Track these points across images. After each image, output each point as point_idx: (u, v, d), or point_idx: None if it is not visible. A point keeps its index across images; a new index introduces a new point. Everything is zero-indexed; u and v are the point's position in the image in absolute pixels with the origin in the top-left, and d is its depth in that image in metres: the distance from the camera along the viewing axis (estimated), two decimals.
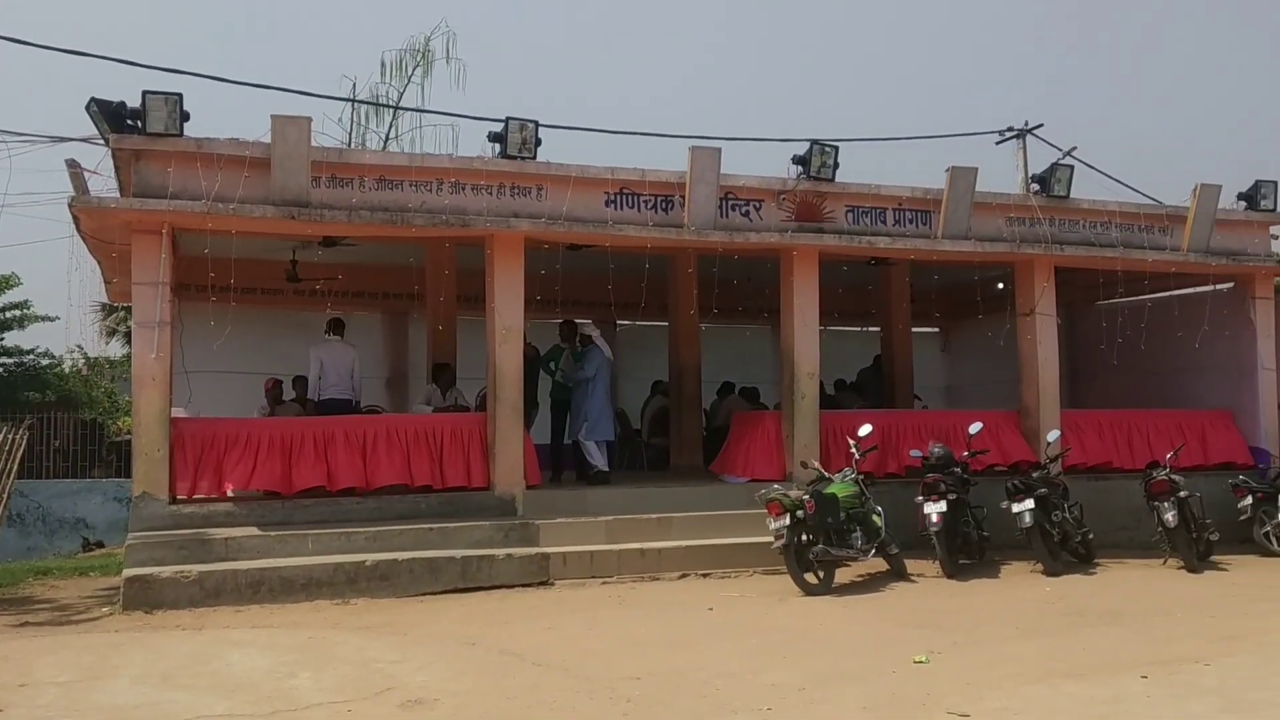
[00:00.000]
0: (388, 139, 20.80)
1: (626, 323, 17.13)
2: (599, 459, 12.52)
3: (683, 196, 11.49)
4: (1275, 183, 14.41)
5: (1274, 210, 14.42)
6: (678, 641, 7.82)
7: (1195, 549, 11.57)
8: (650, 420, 16.43)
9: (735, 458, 12.83)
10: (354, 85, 20.51)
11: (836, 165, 12.09)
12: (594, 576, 10.30)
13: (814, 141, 12.06)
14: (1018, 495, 11.10)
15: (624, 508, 11.33)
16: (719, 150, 11.44)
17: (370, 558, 9.69)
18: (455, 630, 8.19)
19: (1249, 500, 12.79)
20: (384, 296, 16.12)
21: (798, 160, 12.06)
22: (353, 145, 19.52)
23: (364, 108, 20.40)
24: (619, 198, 11.54)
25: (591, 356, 12.76)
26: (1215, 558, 11.97)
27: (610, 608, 9.18)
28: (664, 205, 11.69)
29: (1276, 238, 14.79)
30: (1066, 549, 11.56)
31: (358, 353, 13.00)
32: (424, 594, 9.62)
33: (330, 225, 10.68)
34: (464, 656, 7.30)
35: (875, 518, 10.58)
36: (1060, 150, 17.58)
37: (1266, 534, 12.68)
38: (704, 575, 10.61)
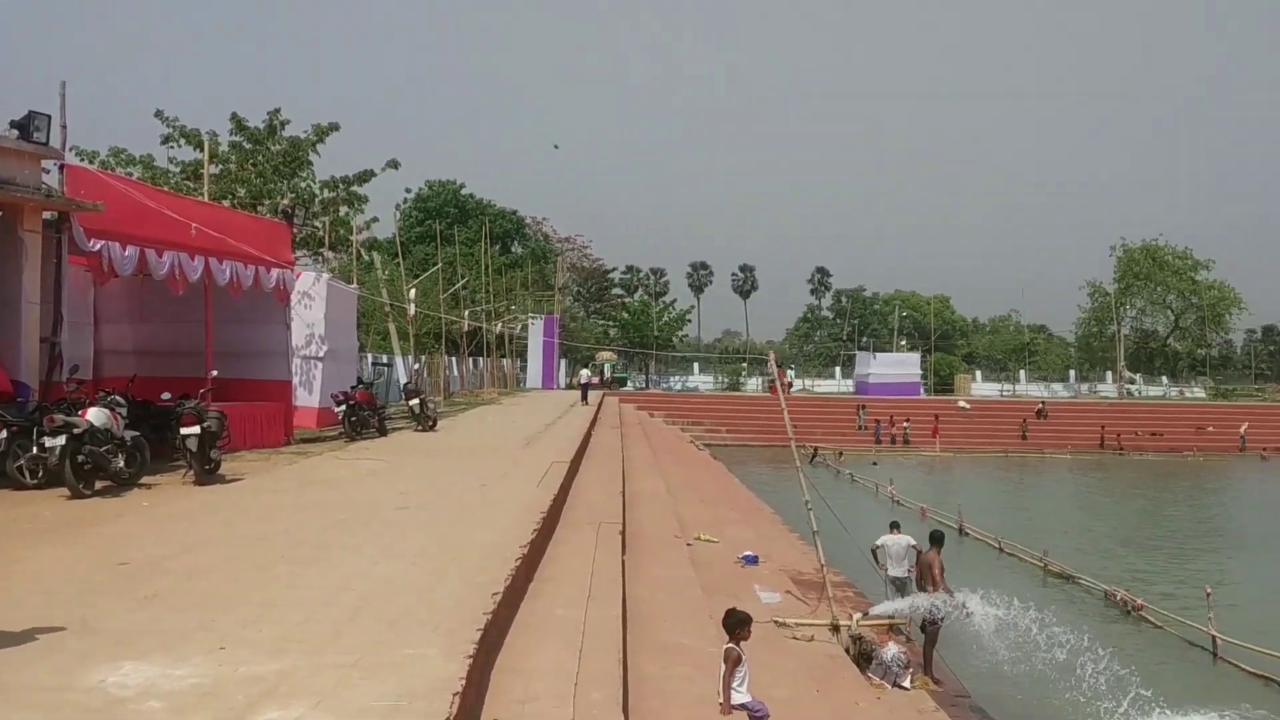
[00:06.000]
0: None
1: None
2: None
3: None
4: (49, 116, 14.36)
5: (46, 144, 14.37)
6: None
7: None
8: None
9: None
10: None
11: None
12: None
13: None
14: None
15: None
16: None
17: None
18: None
19: (4, 434, 12.54)
20: None
21: None
22: None
23: None
24: None
25: None
26: None
27: None
28: None
29: (49, 171, 14.78)
30: None
31: None
32: None
33: None
34: None
35: None
36: None
37: (20, 467, 12.58)
38: None
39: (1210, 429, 59.08)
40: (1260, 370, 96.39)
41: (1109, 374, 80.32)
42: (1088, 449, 56.04)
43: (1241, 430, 58.15)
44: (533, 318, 64.17)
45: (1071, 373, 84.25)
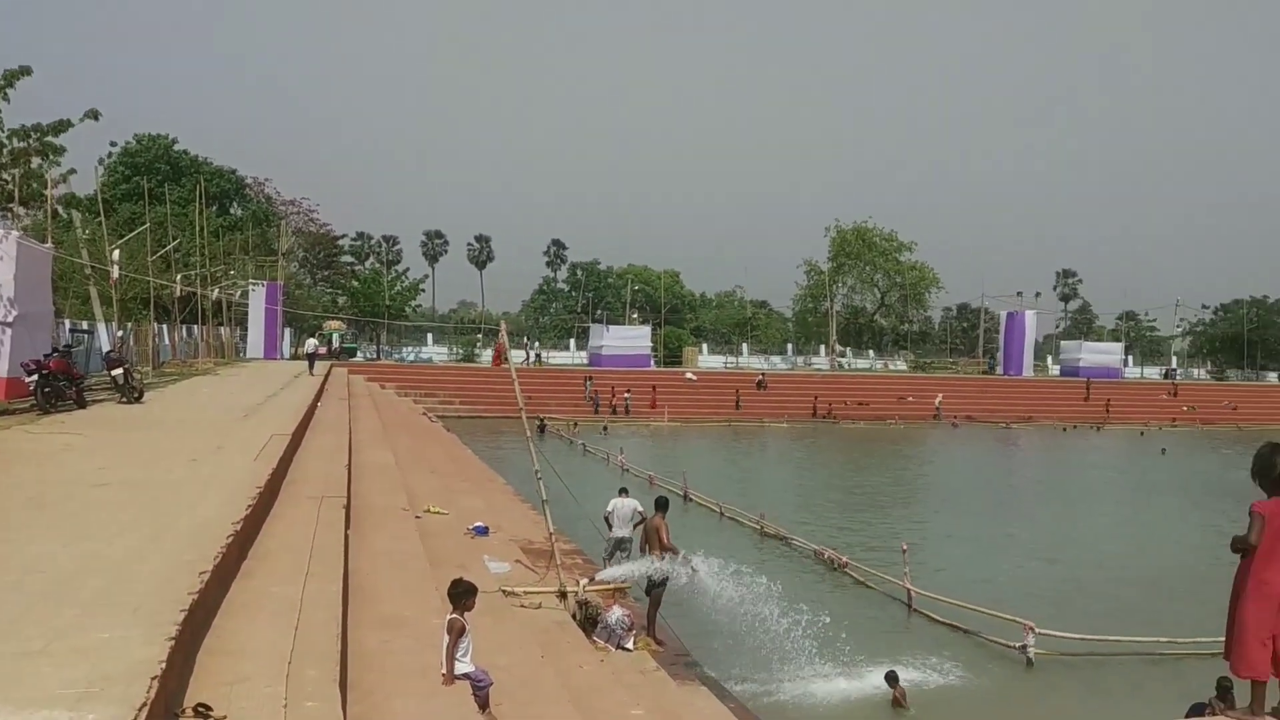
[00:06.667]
0: None
1: None
2: None
3: None
4: None
5: None
6: None
7: None
8: None
9: None
10: None
11: None
12: None
13: None
14: None
15: None
16: None
17: None
18: None
19: None
20: None
21: None
22: None
23: None
24: None
25: None
26: None
27: None
28: None
29: None
30: None
31: None
32: None
33: None
34: None
35: None
36: None
37: None
38: None
39: (910, 399, 64.14)
40: (954, 345, 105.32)
41: (822, 348, 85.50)
42: (803, 418, 59.52)
43: (937, 400, 63.47)
44: (254, 284, 61.00)
45: (789, 346, 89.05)
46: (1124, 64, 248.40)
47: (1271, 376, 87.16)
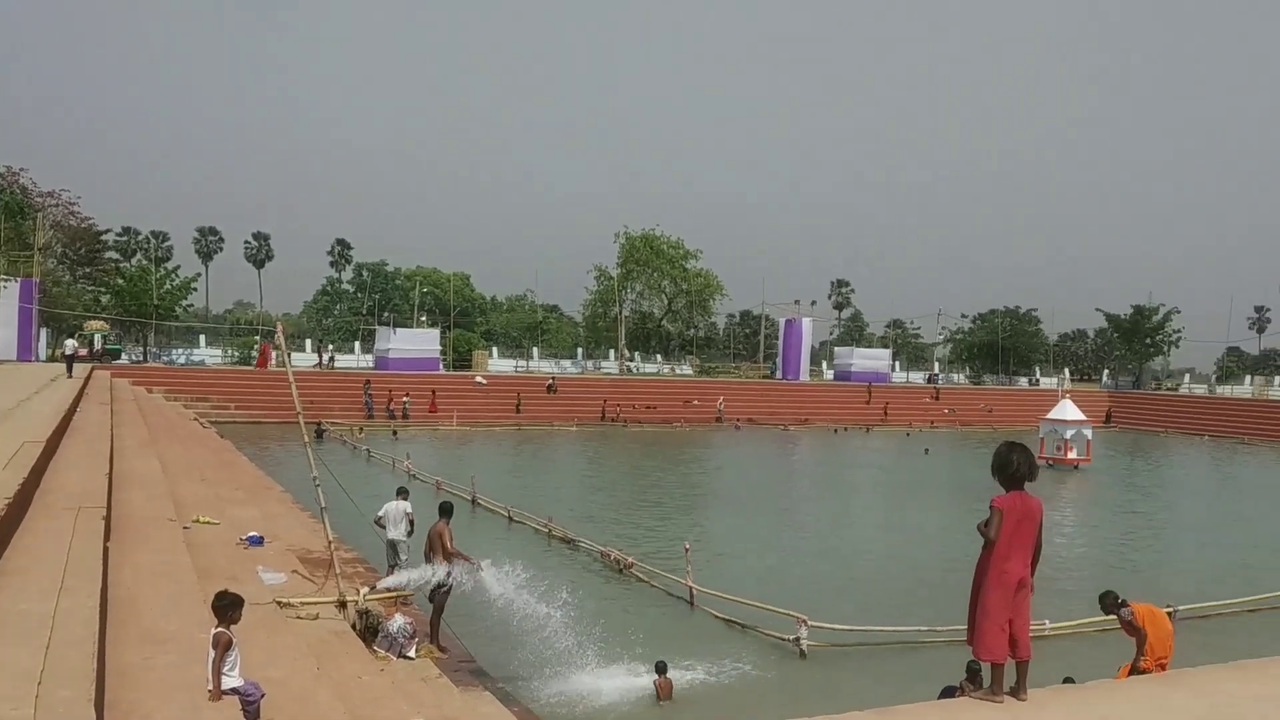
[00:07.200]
0: None
1: None
2: None
3: None
4: None
5: None
6: None
7: None
8: None
9: None
10: None
11: None
12: None
13: None
14: None
15: None
16: None
17: None
18: None
19: None
20: None
21: None
22: None
23: None
24: None
25: None
26: None
27: None
28: None
29: None
30: None
31: None
32: None
33: None
34: None
35: None
36: None
37: None
38: None
39: (695, 402, 65.84)
40: (738, 351, 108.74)
41: (612, 352, 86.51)
42: (592, 421, 60.12)
43: (719, 404, 65.41)
44: (6, 281, 56.46)
45: (579, 350, 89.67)
46: (891, 82, 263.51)
47: (1022, 381, 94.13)
